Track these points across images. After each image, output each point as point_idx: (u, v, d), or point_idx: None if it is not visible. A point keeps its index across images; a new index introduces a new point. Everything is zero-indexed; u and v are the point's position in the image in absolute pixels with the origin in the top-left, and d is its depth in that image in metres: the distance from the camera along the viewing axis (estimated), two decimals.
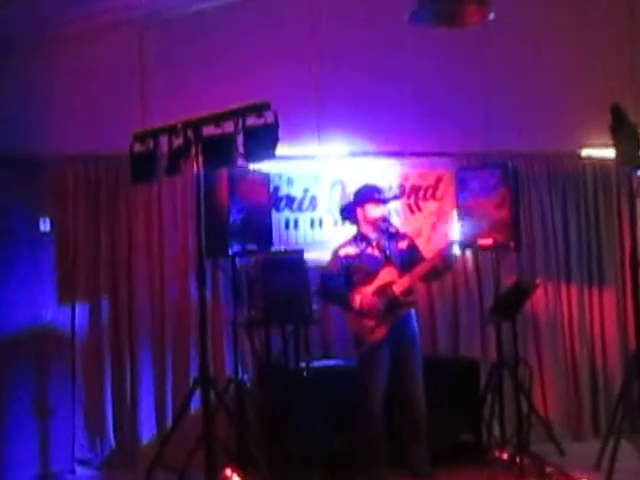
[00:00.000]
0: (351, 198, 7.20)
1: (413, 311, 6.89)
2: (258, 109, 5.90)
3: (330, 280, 6.85)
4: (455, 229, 7.08)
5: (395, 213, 8.07)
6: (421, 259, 6.85)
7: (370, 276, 6.74)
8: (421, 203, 8.25)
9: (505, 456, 7.20)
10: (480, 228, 7.30)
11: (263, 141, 5.91)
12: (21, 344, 7.50)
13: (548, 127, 8.30)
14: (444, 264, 6.78)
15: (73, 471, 7.56)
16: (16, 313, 7.52)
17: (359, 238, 6.89)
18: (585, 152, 8.44)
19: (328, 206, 8.07)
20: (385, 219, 6.87)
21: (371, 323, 6.67)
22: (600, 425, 8.31)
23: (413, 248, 6.96)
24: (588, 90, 8.40)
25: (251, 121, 6.01)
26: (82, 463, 7.61)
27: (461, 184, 7.72)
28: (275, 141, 5.92)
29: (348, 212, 7.01)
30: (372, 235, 6.84)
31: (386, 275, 6.70)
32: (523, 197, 8.12)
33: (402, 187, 8.19)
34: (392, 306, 6.68)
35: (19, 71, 7.45)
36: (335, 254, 6.92)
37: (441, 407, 7.05)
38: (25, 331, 7.54)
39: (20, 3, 6.53)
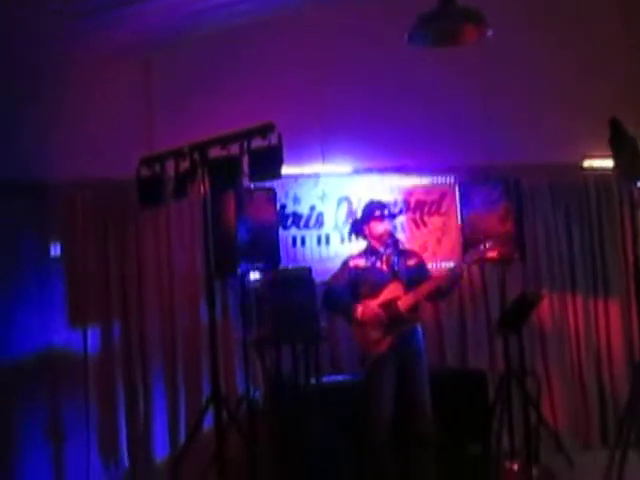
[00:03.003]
0: (359, 214, 7.29)
1: (419, 327, 6.92)
2: (263, 131, 6.02)
3: (336, 291, 6.90)
4: (460, 243, 7.18)
5: (400, 228, 8.13)
6: (428, 277, 6.90)
7: (376, 290, 6.78)
8: (426, 218, 8.32)
9: (515, 467, 7.24)
10: (485, 242, 7.35)
11: (268, 162, 6.02)
12: (33, 369, 7.53)
13: (549, 139, 8.34)
14: (448, 285, 6.84)
15: None
16: (28, 338, 7.56)
17: (369, 252, 6.94)
18: (587, 163, 8.50)
19: (334, 223, 8.14)
20: (390, 234, 6.91)
21: (375, 335, 6.72)
22: (608, 435, 8.34)
23: (421, 266, 6.99)
24: (588, 101, 8.42)
25: (256, 143, 6.12)
26: None
27: (464, 199, 7.82)
28: (280, 162, 6.03)
29: (356, 228, 7.08)
30: (381, 250, 6.91)
31: (392, 291, 6.75)
32: (526, 209, 8.18)
33: (407, 202, 8.25)
34: (396, 321, 6.73)
35: (28, 99, 7.51)
36: (345, 264, 6.98)
37: (450, 419, 7.02)
38: (37, 355, 7.57)
39: (28, 32, 6.62)
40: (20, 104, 7.47)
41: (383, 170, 8.24)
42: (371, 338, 6.74)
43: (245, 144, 6.14)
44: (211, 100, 7.80)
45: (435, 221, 8.32)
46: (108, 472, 7.72)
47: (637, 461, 6.89)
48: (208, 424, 6.93)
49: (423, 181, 8.33)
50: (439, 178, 8.33)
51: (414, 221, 8.26)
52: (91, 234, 7.83)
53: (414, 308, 6.83)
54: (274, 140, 6.01)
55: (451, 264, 7.14)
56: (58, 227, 7.78)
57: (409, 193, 8.28)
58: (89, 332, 7.75)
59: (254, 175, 6.25)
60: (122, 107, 7.84)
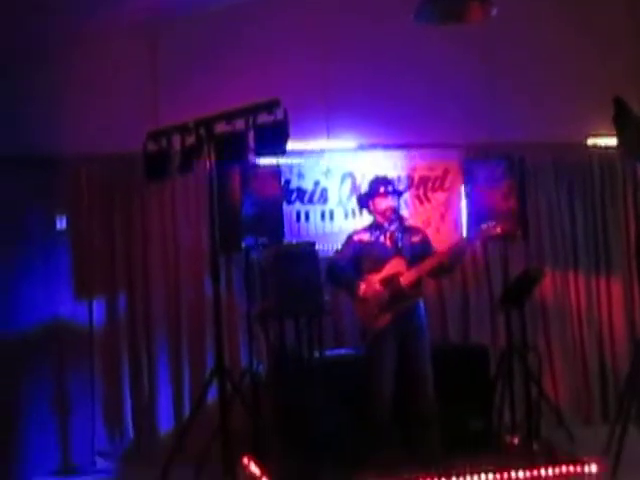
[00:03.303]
0: (363, 189, 7.34)
1: (421, 303, 6.96)
2: (268, 106, 6.06)
3: (338, 265, 6.96)
4: (463, 220, 7.25)
5: (404, 204, 8.16)
6: (432, 254, 6.93)
7: (379, 265, 6.83)
8: (430, 194, 8.36)
9: (516, 442, 7.33)
10: (487, 218, 7.39)
11: (274, 137, 6.07)
12: (40, 340, 7.63)
13: (554, 117, 8.39)
14: (451, 262, 6.87)
15: (93, 463, 7.71)
16: (34, 310, 7.64)
17: (374, 227, 6.98)
18: (591, 141, 8.54)
19: (338, 199, 8.19)
20: (394, 210, 6.95)
21: (376, 310, 6.78)
22: (609, 410, 8.43)
23: (426, 243, 7.02)
24: (593, 80, 8.48)
25: (262, 118, 6.16)
26: (102, 455, 7.76)
27: (468, 175, 7.87)
28: (285, 137, 6.08)
29: (362, 203, 7.12)
30: (386, 225, 6.95)
31: (394, 266, 6.80)
32: (530, 187, 8.23)
33: (410, 178, 8.30)
34: (397, 297, 6.78)
35: (36, 73, 7.57)
36: (349, 238, 7.03)
37: (452, 394, 7.06)
38: (43, 327, 7.67)
39: (37, 7, 6.65)
40: (28, 79, 7.54)
41: (387, 146, 8.28)
42: (372, 313, 6.80)
43: (251, 120, 6.18)
44: (215, 76, 7.86)
45: (438, 197, 8.36)
46: (113, 443, 7.82)
47: (637, 435, 6.98)
48: (212, 396, 7.01)
49: (427, 157, 8.36)
50: (443, 154, 8.37)
51: (417, 197, 8.30)
52: (97, 208, 7.90)
53: (416, 284, 6.87)
54: (280, 116, 6.06)
55: (454, 241, 7.16)
56: (64, 201, 7.84)
57: (413, 169, 8.32)
58: (95, 305, 7.84)
59: (260, 150, 6.31)
60: (128, 82, 7.88)
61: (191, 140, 6.59)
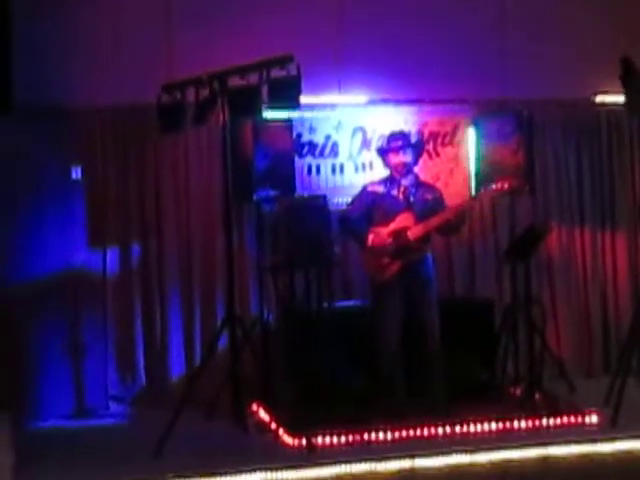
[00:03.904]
0: (373, 144, 7.46)
1: (429, 256, 7.10)
2: (282, 61, 6.14)
3: (350, 216, 7.13)
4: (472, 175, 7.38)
5: None
6: (442, 212, 7.03)
7: (389, 217, 6.98)
8: (439, 149, 8.44)
9: (518, 393, 7.48)
10: (496, 173, 7.49)
11: (287, 92, 6.18)
12: (54, 287, 7.75)
13: (563, 74, 8.44)
14: (457, 221, 7.00)
15: (107, 407, 7.88)
16: (49, 257, 7.76)
17: (389, 180, 7.12)
18: (599, 98, 8.58)
19: (349, 153, 8.27)
20: (405, 165, 7.06)
21: (383, 261, 6.93)
22: (611, 363, 8.55)
23: (438, 201, 7.13)
24: (602, 37, 8.51)
25: (275, 73, 6.25)
26: (115, 399, 7.94)
27: (477, 131, 7.97)
28: (298, 92, 6.19)
29: (380, 156, 7.25)
30: (400, 180, 7.07)
31: (403, 220, 6.93)
32: (538, 143, 8.27)
33: (421, 133, 8.35)
34: (403, 249, 6.92)
35: (50, 25, 7.65)
36: (364, 188, 7.20)
37: (456, 346, 7.21)
38: (58, 274, 7.79)
39: None
40: (43, 31, 7.60)
41: (398, 101, 8.34)
42: (379, 264, 6.96)
43: (264, 74, 6.27)
44: (229, 29, 7.92)
45: (448, 152, 8.44)
46: (126, 387, 8.00)
47: (636, 387, 7.13)
48: (223, 344, 7.13)
49: (437, 113, 8.43)
50: (453, 110, 8.44)
51: (427, 152, 8.33)
52: (111, 158, 8.00)
53: (424, 239, 7.01)
54: (293, 71, 6.15)
55: (462, 201, 7.28)
56: (79, 151, 7.93)
57: (423, 124, 8.40)
58: (108, 253, 7.96)
59: (273, 104, 6.43)
60: (143, 34, 7.93)
61: (205, 93, 6.67)
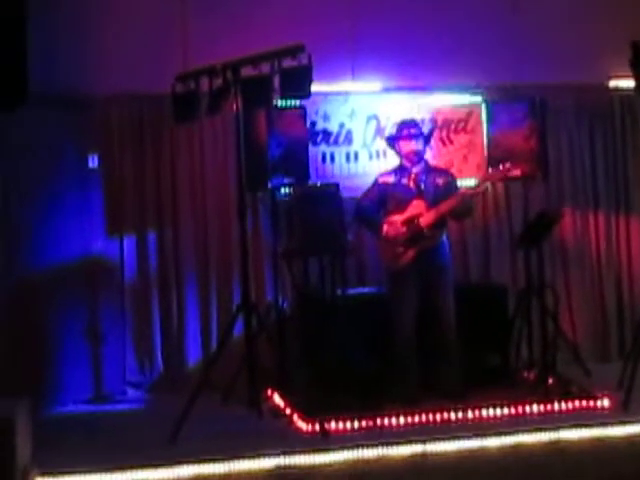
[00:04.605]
0: (387, 132, 7.50)
1: (445, 242, 7.16)
2: (293, 51, 6.19)
3: (365, 207, 7.20)
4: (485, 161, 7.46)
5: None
6: (453, 196, 7.07)
7: (402, 206, 7.04)
8: (452, 135, 8.47)
9: (532, 377, 7.54)
10: (508, 159, 7.51)
11: (297, 82, 6.23)
12: (73, 274, 7.86)
13: (576, 59, 8.46)
14: (468, 204, 7.07)
15: (124, 392, 8.01)
16: (67, 244, 7.86)
17: (399, 169, 7.19)
18: (613, 83, 8.60)
19: (363, 141, 8.32)
20: (417, 153, 7.12)
21: (398, 250, 7.00)
22: (626, 348, 8.50)
23: (450, 185, 7.18)
24: (616, 22, 8.50)
25: (286, 62, 6.31)
26: (132, 385, 8.06)
27: (491, 117, 8.00)
28: (309, 81, 6.25)
29: (390, 144, 7.31)
30: (409, 167, 7.13)
31: (415, 207, 6.99)
32: (551, 128, 8.32)
33: (434, 120, 8.39)
34: (417, 237, 6.98)
35: (66, 14, 7.72)
36: (375, 180, 7.26)
37: (471, 332, 7.27)
38: (76, 261, 7.89)
39: None
40: (59, 20, 7.68)
41: (412, 89, 8.38)
42: (394, 252, 7.03)
43: (276, 64, 6.33)
44: (243, 17, 7.99)
45: (461, 139, 8.47)
46: (143, 374, 8.12)
47: None
48: (239, 331, 7.19)
49: (451, 100, 8.47)
50: (466, 97, 8.47)
51: (441, 139, 8.40)
52: (128, 147, 8.10)
53: (438, 225, 7.05)
54: (304, 61, 6.20)
55: (472, 183, 7.34)
56: (96, 140, 8.03)
57: (437, 111, 8.42)
58: (125, 240, 8.07)
59: (284, 93, 6.47)
60: (159, 23, 8.02)
61: (218, 83, 6.73)
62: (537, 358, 7.64)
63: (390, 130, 7.90)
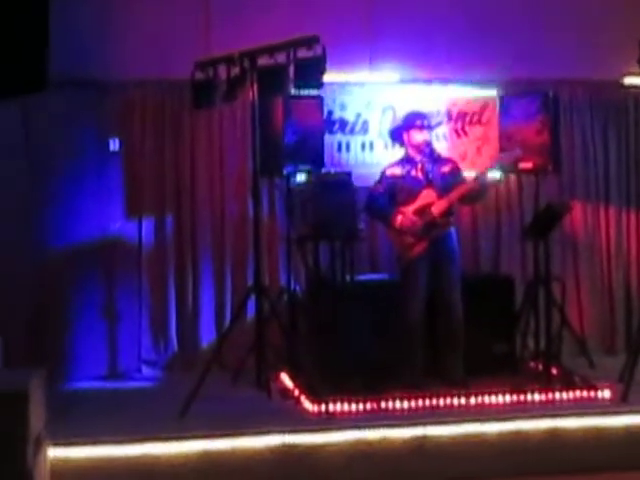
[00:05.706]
0: (399, 122, 7.62)
1: (453, 230, 7.28)
2: (308, 42, 6.34)
3: (376, 199, 7.30)
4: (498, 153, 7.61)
5: (442, 137, 8.48)
6: (461, 183, 7.24)
7: (412, 196, 7.16)
8: (467, 127, 8.59)
9: (537, 367, 7.65)
10: (521, 152, 7.62)
11: (311, 72, 6.38)
12: (91, 253, 8.04)
13: (591, 55, 8.52)
14: (480, 189, 7.20)
15: (139, 370, 8.19)
16: (87, 224, 8.04)
17: (405, 160, 7.29)
18: (627, 80, 8.64)
19: (379, 130, 8.43)
20: (428, 144, 7.24)
21: (411, 240, 7.13)
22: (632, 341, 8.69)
23: (455, 172, 7.31)
24: (632, 18, 8.56)
25: (302, 53, 6.46)
26: (147, 363, 8.23)
27: (504, 110, 8.09)
28: (322, 72, 6.40)
29: (396, 135, 7.42)
30: (417, 158, 7.24)
31: (425, 197, 7.11)
32: (565, 123, 8.44)
33: (449, 112, 8.52)
34: (430, 225, 7.11)
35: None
36: (383, 173, 7.36)
37: (478, 321, 7.38)
38: (95, 241, 8.08)
39: None
40: (82, 4, 7.84)
41: (428, 80, 8.49)
42: (408, 243, 7.16)
43: (291, 54, 6.48)
44: (263, 6, 8.08)
45: (476, 131, 8.59)
46: (158, 352, 8.28)
47: None
48: (251, 314, 7.40)
49: (466, 92, 8.58)
50: (482, 90, 8.58)
51: (455, 131, 8.53)
52: (148, 131, 8.24)
53: (448, 213, 7.19)
54: (318, 51, 6.35)
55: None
56: (117, 123, 8.19)
57: (452, 103, 8.55)
58: (144, 222, 8.25)
59: (298, 83, 6.62)
60: (182, 10, 8.16)
61: (236, 71, 6.88)
62: (543, 349, 7.73)
63: (395, 123, 7.98)
